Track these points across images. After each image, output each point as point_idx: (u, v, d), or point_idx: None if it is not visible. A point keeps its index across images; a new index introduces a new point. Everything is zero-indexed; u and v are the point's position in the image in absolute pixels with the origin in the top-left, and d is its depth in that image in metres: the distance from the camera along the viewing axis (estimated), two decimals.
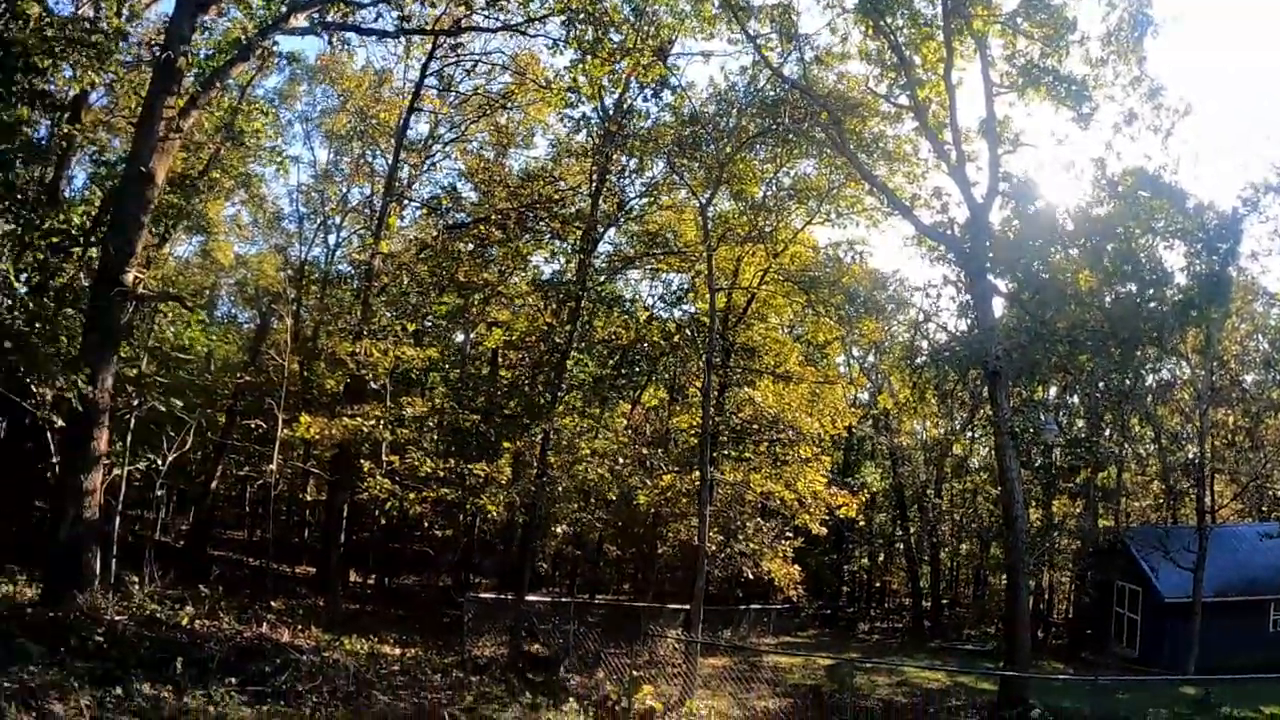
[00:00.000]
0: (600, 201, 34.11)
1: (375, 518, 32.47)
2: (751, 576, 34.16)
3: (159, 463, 24.43)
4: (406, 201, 37.54)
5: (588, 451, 33.65)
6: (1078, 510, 43.29)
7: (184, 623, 18.80)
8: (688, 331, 36.78)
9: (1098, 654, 36.60)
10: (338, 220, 42.25)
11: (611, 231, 37.88)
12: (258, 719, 12.90)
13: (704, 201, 29.10)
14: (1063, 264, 26.23)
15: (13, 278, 18.34)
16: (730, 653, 24.87)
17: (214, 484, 40.22)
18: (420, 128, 39.47)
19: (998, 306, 27.15)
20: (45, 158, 23.40)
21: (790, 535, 35.30)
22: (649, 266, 39.99)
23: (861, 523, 48.47)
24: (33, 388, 18.25)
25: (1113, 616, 38.79)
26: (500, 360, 39.70)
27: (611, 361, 38.72)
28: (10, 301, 17.57)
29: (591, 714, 17.46)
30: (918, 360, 36.24)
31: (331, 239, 42.90)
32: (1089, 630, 42.72)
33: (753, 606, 39.61)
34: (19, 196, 19.99)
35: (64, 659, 13.47)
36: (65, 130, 24.63)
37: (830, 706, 20.03)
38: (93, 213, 23.77)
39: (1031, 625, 30.06)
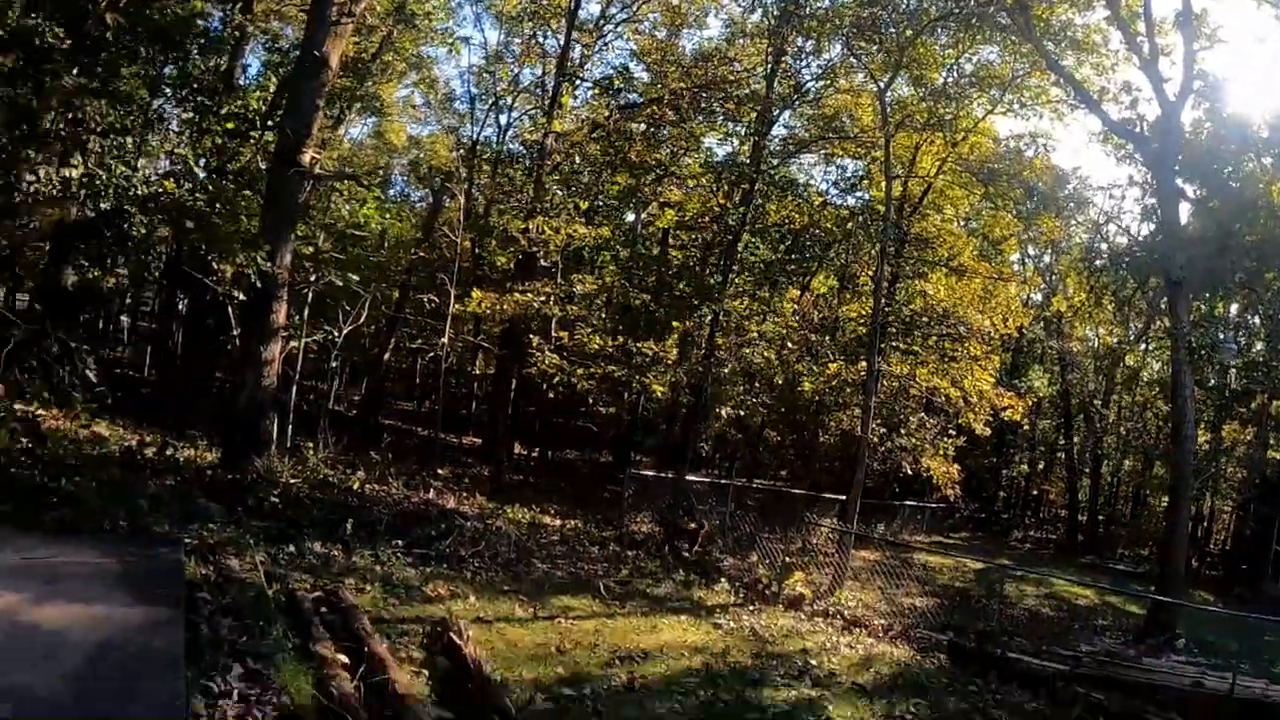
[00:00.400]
0: (775, 83, 33.44)
1: (541, 392, 32.95)
2: (910, 472, 33.76)
3: (335, 335, 25.29)
4: (578, 82, 37.30)
5: (755, 335, 33.57)
6: (1248, 437, 40.84)
7: (354, 487, 19.74)
8: (861, 219, 36.03)
9: (1252, 591, 34.39)
10: (509, 101, 42.17)
11: (786, 114, 37.19)
12: (421, 579, 13.51)
13: (882, 86, 28.20)
14: (1255, 173, 24.56)
15: (192, 162, 18.94)
16: (882, 547, 24.65)
17: (386, 356, 41.44)
18: (591, 8, 39.14)
19: (1183, 213, 25.67)
20: (220, 48, 23.99)
21: (953, 434, 34.68)
22: (823, 151, 39.06)
23: (1026, 427, 47.13)
24: (214, 264, 18.99)
25: (1271, 554, 36.53)
26: (671, 241, 39.60)
27: (782, 246, 38.20)
28: (191, 184, 18.17)
29: (742, 595, 17.67)
30: (1096, 263, 34.81)
31: (503, 119, 42.90)
32: (1244, 565, 40.42)
33: (907, 503, 39.03)
34: (196, 85, 20.60)
35: (241, 518, 14.32)
36: (238, 20, 25.15)
37: (977, 612, 19.83)
38: (268, 98, 24.34)
39: (1187, 552, 28.75)
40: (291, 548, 13.52)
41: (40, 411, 17.27)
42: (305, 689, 8.43)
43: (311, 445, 22.67)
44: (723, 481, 30.32)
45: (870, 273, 33.44)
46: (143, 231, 16.72)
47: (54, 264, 26.19)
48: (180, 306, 37.48)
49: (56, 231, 24.85)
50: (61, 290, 25.34)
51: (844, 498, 26.29)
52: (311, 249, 23.90)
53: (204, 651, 8.62)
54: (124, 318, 44.24)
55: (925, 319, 35.45)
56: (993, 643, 16.02)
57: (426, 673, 9.91)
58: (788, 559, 20.66)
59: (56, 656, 7.64)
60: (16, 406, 16.94)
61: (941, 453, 32.99)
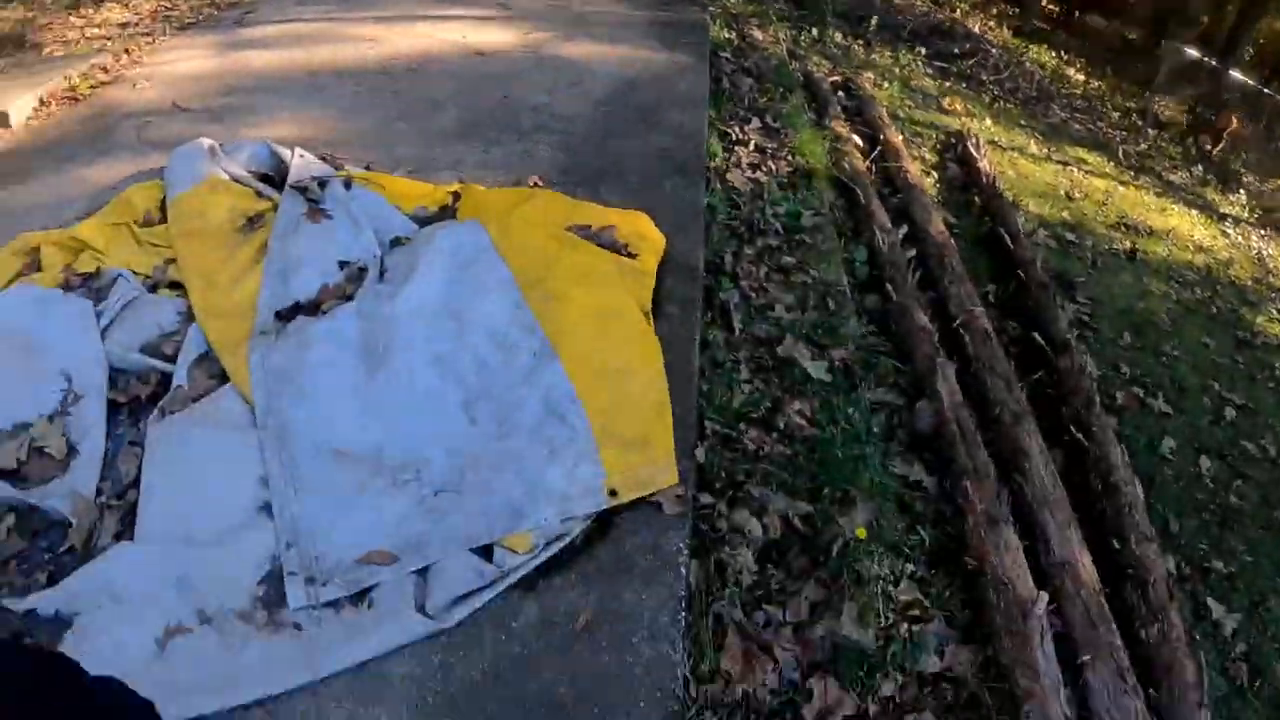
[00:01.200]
0: None
1: None
2: None
3: None
4: None
5: None
6: None
7: None
8: None
9: None
10: None
11: None
12: (939, 91, 13.21)
13: None
14: None
15: None
16: None
17: None
18: None
19: None
20: None
21: None
22: None
23: None
24: None
25: None
26: None
27: None
28: None
29: (1258, 216, 16.32)
30: None
31: None
32: None
33: None
34: None
35: None
36: None
37: None
38: None
39: None
40: (814, 32, 13.36)
41: None
42: (819, 154, 8.35)
43: None
44: (1264, 90, 27.10)
45: None
46: None
47: None
48: None
49: None
50: None
51: None
52: None
53: (724, 103, 8.66)
54: None
55: None
56: None
57: (935, 175, 9.63)
58: None
59: (582, 84, 7.84)
60: None
61: None
